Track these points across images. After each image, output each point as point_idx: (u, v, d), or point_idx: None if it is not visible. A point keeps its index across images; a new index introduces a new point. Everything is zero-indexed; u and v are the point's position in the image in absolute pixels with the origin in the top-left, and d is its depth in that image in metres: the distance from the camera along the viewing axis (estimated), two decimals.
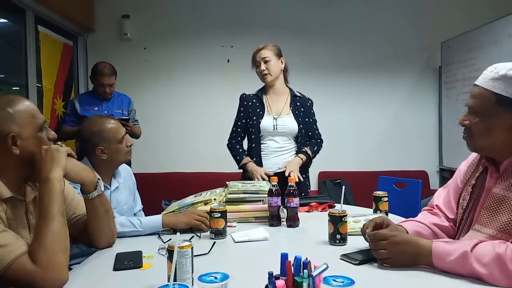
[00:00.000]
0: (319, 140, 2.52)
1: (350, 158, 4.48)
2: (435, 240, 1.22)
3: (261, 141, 2.44)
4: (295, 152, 2.46)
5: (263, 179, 2.26)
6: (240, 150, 2.48)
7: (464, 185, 1.37)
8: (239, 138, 2.51)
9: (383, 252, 1.24)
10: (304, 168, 2.49)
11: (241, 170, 2.51)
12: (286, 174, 2.23)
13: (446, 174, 4.39)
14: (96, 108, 3.22)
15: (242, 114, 2.52)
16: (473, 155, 1.40)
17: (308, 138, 2.50)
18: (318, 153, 2.50)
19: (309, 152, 2.42)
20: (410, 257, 1.22)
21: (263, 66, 2.41)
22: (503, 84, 1.17)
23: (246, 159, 2.41)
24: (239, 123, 2.52)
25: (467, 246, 1.13)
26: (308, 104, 2.54)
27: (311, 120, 2.52)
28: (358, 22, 4.41)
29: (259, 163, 2.42)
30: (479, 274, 1.10)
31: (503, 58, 3.68)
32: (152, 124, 4.11)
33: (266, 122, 2.43)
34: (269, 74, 2.42)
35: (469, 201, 1.32)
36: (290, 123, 2.43)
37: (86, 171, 1.36)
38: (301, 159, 2.37)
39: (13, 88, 3.48)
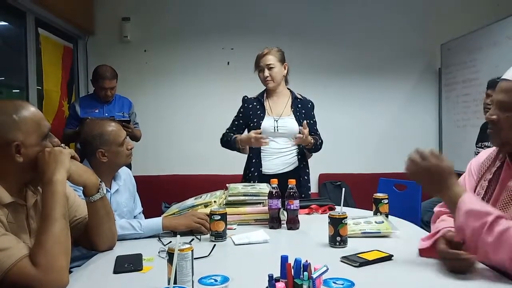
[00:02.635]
0: (320, 140, 2.53)
1: (350, 160, 4.47)
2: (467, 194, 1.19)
3: None
4: (296, 154, 2.46)
5: (257, 139, 2.29)
6: (231, 134, 2.50)
7: (479, 180, 1.35)
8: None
9: (418, 173, 1.23)
10: (305, 170, 2.49)
11: (241, 172, 2.52)
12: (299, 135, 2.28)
13: None
14: (97, 111, 3.22)
15: (241, 115, 2.54)
16: (486, 152, 1.39)
17: None
18: (319, 148, 2.48)
19: (314, 141, 2.40)
20: (436, 187, 1.21)
21: (266, 73, 2.43)
22: None
23: (236, 135, 2.45)
24: (236, 123, 2.54)
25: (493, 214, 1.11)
26: (309, 106, 2.55)
27: (311, 121, 2.52)
28: (358, 24, 4.41)
29: (259, 164, 2.42)
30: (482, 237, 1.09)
31: (502, 60, 3.70)
32: (152, 126, 4.11)
33: (266, 123, 2.43)
34: (271, 80, 2.44)
35: (484, 196, 1.30)
36: (291, 124, 2.44)
37: (89, 174, 1.36)
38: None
39: (14, 90, 3.49)
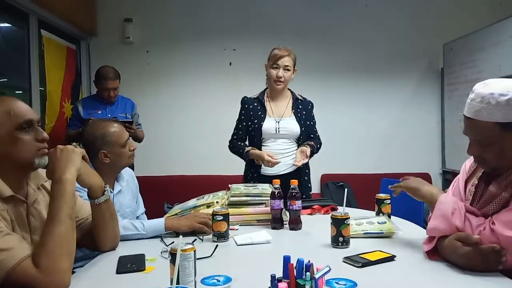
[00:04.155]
0: (319, 141, 2.53)
1: (353, 160, 4.47)
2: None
3: (263, 144, 2.44)
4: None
5: (270, 161, 2.29)
6: (242, 144, 2.48)
7: (466, 184, 1.38)
8: (240, 142, 2.50)
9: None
10: (305, 170, 2.49)
11: (242, 173, 2.52)
12: (298, 163, 2.28)
13: (449, 176, 4.37)
14: (99, 112, 3.22)
15: (243, 117, 2.51)
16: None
17: (308, 140, 2.50)
18: (318, 151, 2.49)
19: (314, 144, 2.41)
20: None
21: (281, 73, 2.39)
22: (499, 112, 1.17)
23: (248, 148, 2.42)
24: (240, 126, 2.52)
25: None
26: (309, 107, 2.54)
27: (311, 122, 2.52)
28: (360, 24, 4.41)
29: (260, 166, 2.41)
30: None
31: (505, 60, 3.68)
32: (155, 127, 4.12)
33: (268, 125, 2.43)
34: (283, 82, 2.42)
35: (471, 202, 1.33)
36: (292, 125, 2.43)
37: (96, 176, 1.36)
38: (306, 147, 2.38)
39: (16, 91, 3.50)
